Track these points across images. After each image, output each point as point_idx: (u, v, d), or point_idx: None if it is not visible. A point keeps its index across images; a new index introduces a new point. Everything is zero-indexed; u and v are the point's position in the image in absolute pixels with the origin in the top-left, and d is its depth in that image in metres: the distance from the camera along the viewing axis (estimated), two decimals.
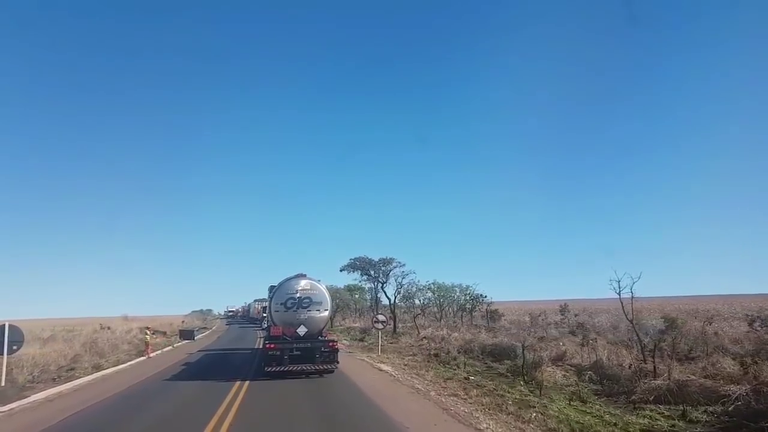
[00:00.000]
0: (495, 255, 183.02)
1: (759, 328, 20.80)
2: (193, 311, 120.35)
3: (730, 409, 9.79)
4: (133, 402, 12.08)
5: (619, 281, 15.17)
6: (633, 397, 11.55)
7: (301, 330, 15.70)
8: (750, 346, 16.51)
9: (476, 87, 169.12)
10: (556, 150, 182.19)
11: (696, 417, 9.71)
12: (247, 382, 14.30)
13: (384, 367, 17.56)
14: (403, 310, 42.18)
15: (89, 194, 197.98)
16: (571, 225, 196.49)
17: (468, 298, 40.18)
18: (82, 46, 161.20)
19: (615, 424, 9.31)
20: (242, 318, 79.31)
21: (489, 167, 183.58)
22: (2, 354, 13.50)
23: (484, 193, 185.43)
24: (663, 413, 10.16)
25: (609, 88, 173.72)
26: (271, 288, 17.43)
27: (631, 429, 9.11)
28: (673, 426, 9.28)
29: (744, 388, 10.17)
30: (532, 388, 12.98)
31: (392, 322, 33.54)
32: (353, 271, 38.45)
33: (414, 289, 39.04)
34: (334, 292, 38.55)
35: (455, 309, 42.73)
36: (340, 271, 38.96)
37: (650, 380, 12.04)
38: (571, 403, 11.25)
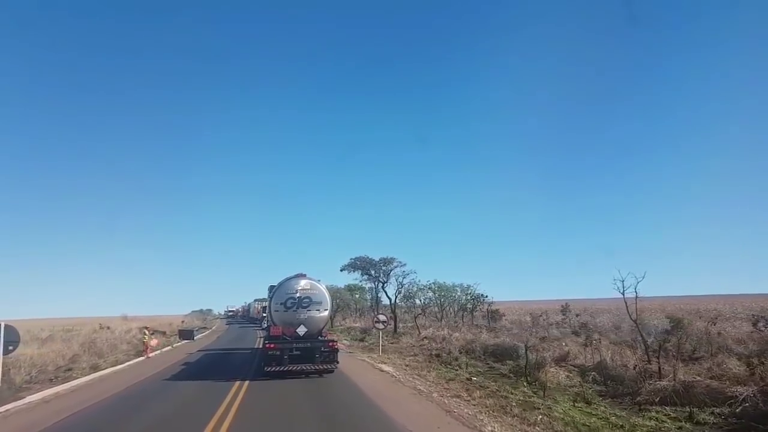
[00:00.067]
0: (495, 255, 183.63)
1: (763, 329, 20.66)
2: (193, 311, 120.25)
3: (737, 410, 9.68)
4: (131, 402, 11.93)
5: (623, 281, 15.11)
6: (638, 398, 11.43)
7: (301, 330, 15.59)
8: (755, 347, 16.37)
9: (476, 87, 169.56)
10: (556, 150, 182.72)
11: (703, 419, 9.59)
12: (247, 382, 14.18)
13: (385, 367, 17.39)
14: (403, 310, 42.03)
15: (89, 194, 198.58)
16: (572, 225, 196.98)
17: (469, 297, 40.06)
18: (82, 46, 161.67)
19: (621, 427, 9.16)
20: (242, 318, 79.19)
21: (489, 167, 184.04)
22: None
23: (484, 193, 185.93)
24: (669, 415, 10.03)
25: (609, 88, 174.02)
26: (271, 288, 17.32)
27: (638, 431, 8.96)
28: (681, 428, 9.15)
29: (751, 390, 10.06)
30: (535, 389, 12.84)
31: (393, 322, 33.36)
32: (354, 271, 38.28)
33: (415, 289, 38.99)
34: (334, 291, 38.37)
35: (456, 309, 42.61)
36: (341, 270, 38.82)
37: (655, 381, 11.91)
38: (576, 404, 11.10)
